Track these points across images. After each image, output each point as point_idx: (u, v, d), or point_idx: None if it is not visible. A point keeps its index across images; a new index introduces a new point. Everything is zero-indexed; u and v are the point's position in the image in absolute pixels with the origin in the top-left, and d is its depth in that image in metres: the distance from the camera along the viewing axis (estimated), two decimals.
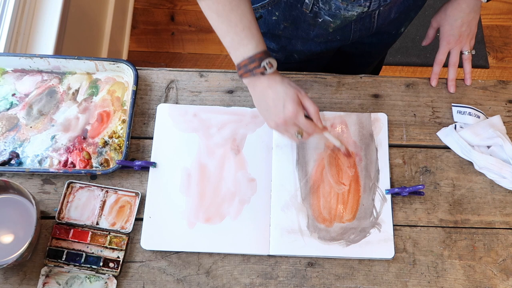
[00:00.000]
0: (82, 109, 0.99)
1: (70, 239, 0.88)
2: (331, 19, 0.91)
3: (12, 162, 0.94)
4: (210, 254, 0.89)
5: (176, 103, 1.00)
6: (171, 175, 0.93)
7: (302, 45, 1.02)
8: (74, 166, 0.94)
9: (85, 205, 0.90)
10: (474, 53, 1.04)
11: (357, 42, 1.08)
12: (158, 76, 1.02)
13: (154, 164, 0.93)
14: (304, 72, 1.04)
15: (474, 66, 2.01)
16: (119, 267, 0.87)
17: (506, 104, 1.02)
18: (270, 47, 1.06)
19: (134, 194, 0.92)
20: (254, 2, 0.94)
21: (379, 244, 0.89)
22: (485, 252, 0.90)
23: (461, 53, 1.03)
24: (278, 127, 0.85)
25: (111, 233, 0.89)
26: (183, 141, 0.96)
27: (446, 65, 1.04)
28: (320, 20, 0.92)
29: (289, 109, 0.81)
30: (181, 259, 0.88)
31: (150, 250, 0.88)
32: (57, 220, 0.89)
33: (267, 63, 0.80)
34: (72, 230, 0.89)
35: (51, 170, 0.91)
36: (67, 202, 0.90)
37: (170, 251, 0.89)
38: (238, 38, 0.80)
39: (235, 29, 0.80)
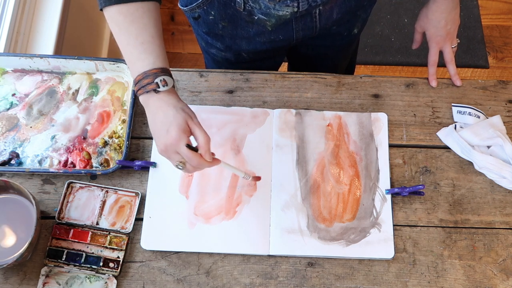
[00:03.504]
0: (82, 109, 0.99)
1: (70, 239, 0.88)
2: (265, 18, 0.90)
3: (12, 162, 0.94)
4: (210, 254, 0.89)
5: None
6: (171, 175, 0.93)
7: (247, 44, 1.01)
8: (74, 166, 0.94)
9: (85, 205, 0.90)
10: (459, 41, 1.05)
11: (309, 43, 1.08)
12: None
13: (154, 164, 0.93)
14: (304, 72, 1.04)
15: (474, 66, 2.02)
16: (119, 267, 0.87)
17: (506, 104, 1.02)
18: (217, 46, 1.05)
19: (134, 194, 0.92)
20: (192, 2, 0.93)
21: (379, 244, 0.89)
22: (485, 252, 0.89)
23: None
24: (162, 153, 0.77)
25: (111, 233, 0.89)
26: None
27: (441, 64, 1.04)
28: (256, 18, 0.91)
29: (171, 135, 0.74)
30: (181, 259, 0.88)
31: (150, 250, 0.88)
32: (57, 220, 0.89)
33: (161, 80, 0.75)
34: (72, 230, 0.89)
35: (51, 170, 0.91)
36: (67, 202, 0.90)
37: (170, 251, 0.89)
38: (137, 52, 0.76)
39: (134, 42, 0.76)
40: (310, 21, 0.96)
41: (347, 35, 1.09)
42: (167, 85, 0.76)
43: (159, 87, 0.75)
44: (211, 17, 0.95)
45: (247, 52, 1.04)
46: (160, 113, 0.76)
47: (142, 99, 0.77)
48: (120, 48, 0.78)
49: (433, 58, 1.04)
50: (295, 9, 0.88)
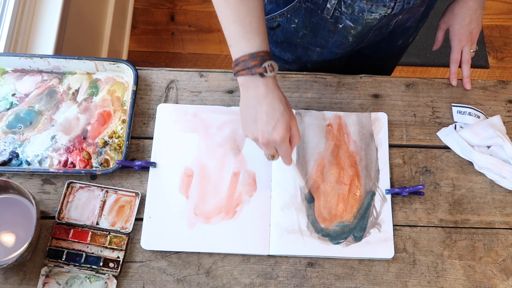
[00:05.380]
0: (82, 109, 0.99)
1: (70, 239, 0.88)
2: (352, 24, 0.88)
3: (13, 162, 0.94)
4: (210, 254, 0.89)
5: (176, 103, 1.00)
6: (171, 175, 0.93)
7: (318, 55, 1.01)
8: (74, 166, 0.94)
9: (85, 205, 0.91)
10: (477, 48, 1.06)
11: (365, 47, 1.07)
12: (158, 76, 1.02)
13: (154, 164, 0.93)
14: (304, 72, 1.04)
15: (474, 66, 2.02)
16: (119, 267, 0.87)
17: (506, 104, 1.02)
18: (285, 58, 1.04)
19: (134, 194, 0.92)
20: (272, 11, 0.92)
21: (379, 244, 0.89)
22: (485, 252, 0.90)
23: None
24: (255, 141, 0.79)
25: (111, 233, 0.89)
26: (183, 141, 0.96)
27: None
28: (340, 26, 0.90)
29: (278, 133, 0.75)
30: (181, 259, 0.88)
31: (150, 250, 0.88)
32: (57, 220, 0.89)
33: (268, 65, 0.73)
34: (72, 230, 0.89)
35: (51, 170, 0.91)
36: (67, 202, 0.90)
37: (170, 251, 0.89)
38: (243, 31, 0.73)
39: (243, 21, 0.73)
40: (385, 31, 0.95)
41: (401, 43, 1.09)
42: (273, 71, 0.74)
43: (266, 72, 0.74)
44: (292, 25, 0.92)
45: (314, 63, 1.03)
46: (264, 103, 0.75)
47: (242, 79, 0.76)
48: (222, 25, 0.75)
49: (455, 56, 1.04)
50: (389, 10, 0.86)
